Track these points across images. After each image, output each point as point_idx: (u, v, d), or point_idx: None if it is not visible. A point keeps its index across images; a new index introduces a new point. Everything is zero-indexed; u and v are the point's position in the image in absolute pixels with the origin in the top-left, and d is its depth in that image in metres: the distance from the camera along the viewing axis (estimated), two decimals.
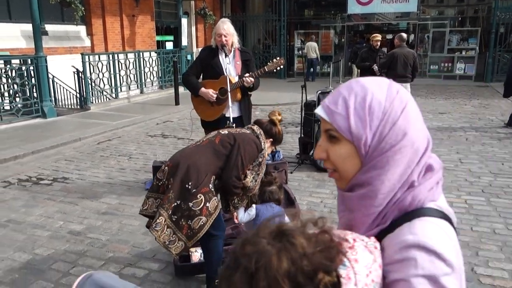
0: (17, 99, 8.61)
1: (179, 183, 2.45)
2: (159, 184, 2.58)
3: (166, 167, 2.58)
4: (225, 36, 4.12)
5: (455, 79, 16.03)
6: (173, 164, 2.54)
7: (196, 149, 2.65)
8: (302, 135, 6.05)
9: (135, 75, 12.08)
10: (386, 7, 16.72)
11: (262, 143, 2.77)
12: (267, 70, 4.25)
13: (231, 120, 3.89)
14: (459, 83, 15.36)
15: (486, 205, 4.36)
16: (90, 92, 10.23)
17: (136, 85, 12.18)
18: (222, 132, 2.71)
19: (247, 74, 4.12)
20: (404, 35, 7.69)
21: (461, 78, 16.00)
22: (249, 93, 4.39)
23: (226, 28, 4.15)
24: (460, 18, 19.48)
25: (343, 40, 18.61)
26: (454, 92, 13.15)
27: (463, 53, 16.12)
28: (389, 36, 18.42)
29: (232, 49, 4.25)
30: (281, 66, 4.29)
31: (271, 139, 2.94)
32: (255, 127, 2.86)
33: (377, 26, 20.55)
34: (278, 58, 4.33)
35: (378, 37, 8.05)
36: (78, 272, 3.15)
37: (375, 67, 7.78)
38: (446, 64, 16.44)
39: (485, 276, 3.06)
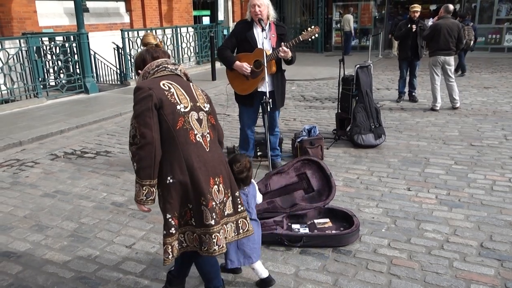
0: (61, 75, 8.92)
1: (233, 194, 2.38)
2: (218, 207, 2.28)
3: (217, 186, 2.26)
4: (259, 7, 4.09)
5: (503, 52, 15.20)
6: (223, 177, 2.31)
7: (216, 147, 2.34)
8: (339, 111, 5.97)
9: (173, 51, 12.20)
10: None
11: None
12: (301, 39, 4.18)
13: (267, 95, 3.89)
14: (507, 55, 14.57)
15: None
16: (130, 68, 10.45)
17: (173, 61, 12.31)
18: (206, 108, 2.32)
19: (283, 44, 4.09)
20: (451, 6, 7.32)
21: (510, 51, 15.15)
22: (286, 66, 4.36)
23: None
24: None
25: (383, 12, 17.95)
26: (502, 65, 12.50)
27: None
28: (433, 7, 17.57)
29: (268, 22, 4.22)
30: (316, 35, 4.19)
31: None
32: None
33: None
34: (313, 26, 4.25)
35: (417, 7, 7.70)
36: (122, 241, 3.32)
37: (414, 26, 7.50)
38: (494, 36, 15.57)
39: None
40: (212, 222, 2.19)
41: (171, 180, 2.15)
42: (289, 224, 3.36)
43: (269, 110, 3.87)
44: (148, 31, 2.37)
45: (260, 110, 4.47)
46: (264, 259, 3.01)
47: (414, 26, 7.53)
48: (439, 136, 5.82)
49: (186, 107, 2.19)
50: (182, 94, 2.20)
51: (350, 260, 2.98)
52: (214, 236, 2.20)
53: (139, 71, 2.31)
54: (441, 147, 5.37)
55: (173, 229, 2.21)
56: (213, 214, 2.19)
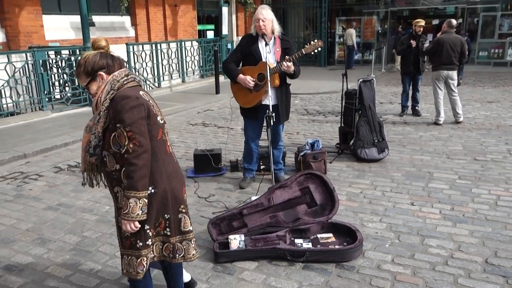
0: (67, 88, 9.00)
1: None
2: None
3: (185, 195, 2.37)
4: (263, 21, 4.14)
5: (506, 66, 15.23)
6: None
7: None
8: (342, 125, 5.98)
9: (177, 65, 12.30)
10: None
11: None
12: (304, 52, 4.21)
13: (271, 109, 3.91)
14: (510, 70, 14.59)
15: None
16: None
17: (178, 74, 12.42)
18: (161, 121, 2.24)
19: (286, 57, 4.12)
20: (454, 21, 7.35)
21: None
22: (290, 80, 4.38)
23: (265, 13, 4.17)
24: None
25: (386, 26, 18.09)
26: (505, 79, 12.51)
27: None
28: (436, 22, 17.68)
29: (273, 37, 4.26)
30: (319, 48, 4.22)
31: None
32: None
33: (423, 11, 19.76)
34: (316, 40, 4.28)
35: (421, 22, 7.75)
36: None
37: (413, 42, 7.51)
38: (496, 50, 15.63)
39: None
40: (191, 228, 2.36)
41: (152, 190, 2.16)
42: (292, 238, 3.35)
43: (272, 123, 3.89)
44: (100, 36, 2.24)
45: (265, 124, 4.48)
46: (267, 274, 2.99)
47: (414, 42, 7.55)
48: (443, 150, 5.81)
49: (162, 119, 2.24)
50: (156, 106, 2.24)
51: (353, 276, 2.95)
52: (193, 241, 2.36)
53: (102, 73, 2.15)
54: (445, 161, 5.36)
55: (150, 240, 2.22)
56: (191, 220, 2.37)
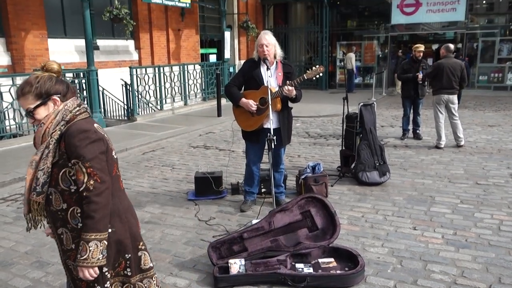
0: None
1: None
2: None
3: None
4: (266, 46, 4.20)
5: (506, 90, 15.34)
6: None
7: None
8: (344, 148, 5.99)
9: (180, 87, 12.42)
10: (432, 16, 16.33)
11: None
12: (306, 78, 4.26)
13: (272, 132, 3.92)
14: (510, 94, 14.69)
15: None
16: (137, 104, 10.62)
17: (180, 97, 12.52)
18: (115, 155, 2.12)
19: (287, 82, 4.17)
20: (451, 46, 7.46)
21: None
22: (291, 104, 4.42)
23: (268, 38, 4.25)
24: (511, 27, 18.63)
25: (386, 51, 18.32)
26: (505, 103, 12.58)
27: None
28: (435, 46, 17.91)
29: (275, 61, 4.32)
30: (321, 74, 4.29)
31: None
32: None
33: (422, 36, 20.04)
34: (317, 66, 4.34)
35: (421, 47, 7.85)
36: None
37: (420, 75, 7.58)
38: (496, 75, 15.78)
39: None
40: (152, 264, 2.21)
41: (110, 230, 1.98)
42: (293, 263, 3.31)
43: (273, 147, 3.90)
44: (53, 60, 1.97)
45: (266, 147, 4.50)
46: None
47: (420, 77, 7.60)
48: (444, 174, 5.80)
49: (116, 153, 2.11)
50: (110, 140, 2.09)
51: None
52: (154, 278, 2.22)
53: (57, 98, 1.96)
54: (447, 185, 5.34)
55: (108, 283, 2.04)
56: (150, 256, 2.21)
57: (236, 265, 3.18)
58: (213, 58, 15.68)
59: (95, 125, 2.01)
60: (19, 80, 8.17)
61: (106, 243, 1.92)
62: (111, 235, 1.98)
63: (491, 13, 19.59)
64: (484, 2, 19.42)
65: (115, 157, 2.08)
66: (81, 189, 1.88)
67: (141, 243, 2.16)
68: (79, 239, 1.91)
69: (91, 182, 1.88)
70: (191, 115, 11.37)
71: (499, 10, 19.01)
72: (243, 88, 4.48)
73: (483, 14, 19.56)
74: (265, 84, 4.17)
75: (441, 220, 4.26)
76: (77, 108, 1.99)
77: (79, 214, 1.93)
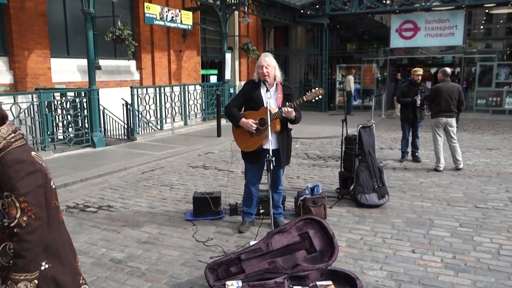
0: (70, 129, 9.10)
1: None
2: None
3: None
4: (266, 68, 4.27)
5: (505, 114, 15.44)
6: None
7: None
8: (343, 170, 5.99)
9: (180, 108, 12.50)
10: (430, 40, 16.57)
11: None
12: (305, 99, 4.30)
13: (271, 153, 3.94)
14: (508, 118, 14.78)
15: None
16: (137, 123, 10.66)
17: (180, 117, 12.58)
18: (53, 186, 2.00)
19: (287, 104, 4.21)
20: (448, 69, 7.56)
21: (511, 113, 15.41)
22: (291, 125, 4.45)
23: (268, 60, 4.32)
24: (509, 52, 18.90)
25: (385, 73, 18.53)
26: (504, 127, 12.64)
27: None
28: (434, 70, 18.14)
29: (275, 83, 4.38)
30: (320, 96, 4.33)
31: None
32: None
33: (421, 59, 20.31)
34: (317, 88, 4.39)
35: (419, 71, 7.96)
36: None
37: (418, 98, 7.65)
38: (494, 99, 15.91)
39: None
40: None
41: (46, 266, 1.85)
42: (291, 286, 3.27)
43: (272, 167, 3.91)
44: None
45: (265, 167, 4.51)
46: None
47: (418, 101, 7.68)
48: (443, 197, 5.79)
49: (54, 183, 1.98)
50: (48, 169, 1.96)
51: None
52: None
53: None
54: (446, 208, 5.32)
55: None
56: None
57: (233, 287, 3.15)
58: (213, 79, 15.83)
59: (33, 153, 1.88)
60: (20, 99, 8.24)
61: (36, 282, 1.78)
62: (48, 271, 1.85)
63: (489, 38, 19.93)
64: (481, 27, 19.75)
65: (53, 187, 1.95)
66: (12, 224, 1.73)
67: (81, 278, 2.04)
68: (8, 278, 1.75)
69: (24, 218, 1.73)
70: (191, 135, 11.41)
71: (496, 35, 19.35)
72: (243, 109, 4.52)
73: (481, 39, 19.88)
74: (265, 105, 4.22)
75: (440, 244, 4.23)
76: (12, 135, 1.84)
77: (11, 251, 1.77)
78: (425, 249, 4.10)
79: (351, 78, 16.77)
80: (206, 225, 4.82)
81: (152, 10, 11.09)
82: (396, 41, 16.97)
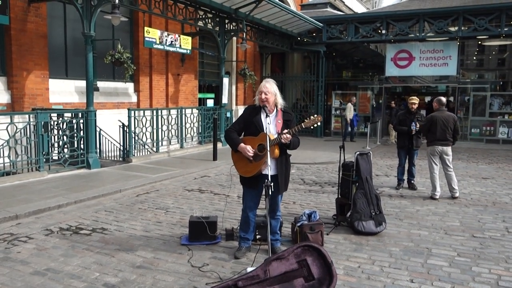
0: (65, 150, 9.05)
1: None
2: None
3: None
4: (265, 94, 4.31)
5: (498, 143, 15.60)
6: None
7: None
8: (339, 196, 5.97)
9: (176, 130, 12.51)
10: (425, 70, 16.86)
11: None
12: (304, 126, 4.32)
13: (269, 179, 3.93)
14: (502, 147, 14.91)
15: None
16: (133, 145, 10.63)
17: (176, 140, 12.58)
18: None
19: (285, 131, 4.23)
20: (443, 99, 7.66)
21: (505, 143, 15.57)
22: (289, 150, 4.46)
23: (269, 86, 4.36)
24: (501, 83, 19.24)
25: (380, 101, 18.74)
26: (498, 156, 12.74)
27: (506, 117, 15.79)
28: (428, 98, 18.40)
29: (275, 109, 4.41)
30: (318, 123, 4.35)
31: None
32: None
33: (415, 88, 20.60)
34: (315, 115, 4.41)
35: (415, 100, 8.08)
36: None
37: (413, 127, 7.74)
38: (488, 128, 16.10)
39: None
40: None
41: None
42: None
43: (270, 193, 3.89)
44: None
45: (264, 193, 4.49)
46: None
47: (413, 130, 7.80)
48: (440, 225, 5.76)
49: None
50: None
51: None
52: None
53: None
54: (443, 237, 5.29)
55: None
56: None
57: None
58: (210, 103, 15.92)
59: None
60: (17, 119, 8.22)
61: None
62: None
63: (481, 68, 20.31)
64: (474, 58, 20.16)
65: None
66: None
67: None
68: None
69: None
70: (187, 158, 11.38)
71: (489, 66, 19.73)
72: (243, 133, 4.53)
73: (474, 70, 20.26)
74: (264, 131, 4.23)
75: (439, 273, 4.19)
76: None
77: None
78: (424, 279, 4.06)
79: (350, 106, 16.74)
80: (201, 250, 4.75)
81: (152, 34, 11.23)
82: (391, 70, 17.25)
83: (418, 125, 7.79)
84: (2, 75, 9.26)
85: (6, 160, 7.91)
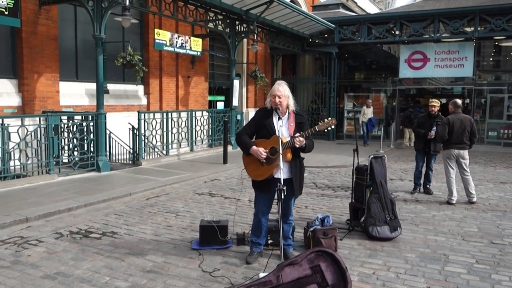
0: (75, 153, 9.04)
1: None
2: None
3: None
4: (279, 97, 4.22)
5: None
6: None
7: None
8: (353, 200, 5.83)
9: (186, 133, 12.46)
10: (440, 71, 16.57)
11: None
12: (317, 129, 4.21)
13: (282, 182, 3.83)
14: None
15: None
16: (143, 148, 10.60)
17: (186, 143, 12.52)
18: None
19: (297, 134, 4.12)
20: (459, 101, 7.44)
21: None
22: (303, 154, 4.34)
23: (282, 89, 4.27)
24: None
25: (394, 103, 18.49)
26: None
27: None
28: (443, 100, 18.08)
29: (287, 111, 4.31)
30: (332, 126, 4.24)
31: None
32: None
33: (430, 90, 20.29)
34: (329, 118, 4.31)
35: (435, 102, 7.86)
36: None
37: (432, 133, 7.53)
38: (506, 131, 15.76)
39: None
40: None
41: None
42: None
43: (283, 197, 3.78)
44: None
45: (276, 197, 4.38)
46: None
47: (430, 135, 7.59)
48: (458, 231, 5.59)
49: None
50: None
51: None
52: None
53: None
54: (460, 243, 5.12)
55: None
56: None
57: None
58: (220, 105, 15.86)
59: None
60: (27, 121, 8.23)
61: None
62: None
63: (498, 70, 19.91)
64: (490, 59, 19.79)
65: None
66: None
67: None
68: None
69: None
70: (197, 161, 11.31)
71: (506, 67, 19.33)
72: (255, 136, 4.43)
73: (490, 71, 19.86)
74: (276, 134, 4.13)
75: (457, 281, 4.03)
76: None
77: None
78: (441, 286, 3.91)
79: (365, 109, 16.31)
80: (212, 255, 4.65)
81: (162, 36, 11.21)
82: (405, 71, 17.00)
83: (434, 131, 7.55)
84: (13, 77, 9.30)
85: (17, 163, 7.91)
